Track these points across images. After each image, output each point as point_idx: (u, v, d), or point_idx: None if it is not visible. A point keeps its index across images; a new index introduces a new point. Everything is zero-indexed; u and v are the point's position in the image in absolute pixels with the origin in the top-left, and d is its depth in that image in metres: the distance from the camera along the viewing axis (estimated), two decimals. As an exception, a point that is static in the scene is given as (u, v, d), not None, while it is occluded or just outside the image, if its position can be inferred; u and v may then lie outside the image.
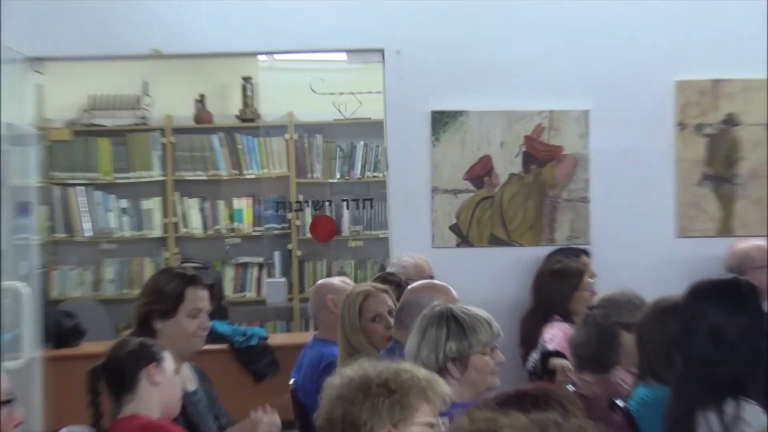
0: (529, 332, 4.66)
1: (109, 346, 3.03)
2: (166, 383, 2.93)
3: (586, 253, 5.07)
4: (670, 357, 3.02)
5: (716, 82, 5.22)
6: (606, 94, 5.23)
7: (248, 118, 7.32)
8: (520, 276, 5.06)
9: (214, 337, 4.92)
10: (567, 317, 4.54)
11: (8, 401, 1.91)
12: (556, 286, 4.73)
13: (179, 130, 7.30)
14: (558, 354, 4.16)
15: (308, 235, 7.20)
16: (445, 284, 3.74)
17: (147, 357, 2.91)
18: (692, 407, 2.87)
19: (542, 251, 5.12)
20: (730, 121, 5.23)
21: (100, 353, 3.03)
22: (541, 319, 4.67)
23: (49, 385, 4.91)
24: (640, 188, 5.25)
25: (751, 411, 2.80)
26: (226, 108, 7.41)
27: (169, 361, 2.97)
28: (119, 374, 2.90)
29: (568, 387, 3.52)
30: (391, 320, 3.74)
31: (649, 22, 5.20)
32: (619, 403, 3.25)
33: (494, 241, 5.24)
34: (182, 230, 7.29)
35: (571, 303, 4.62)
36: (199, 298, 3.39)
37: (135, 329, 3.34)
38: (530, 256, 5.13)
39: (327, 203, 7.40)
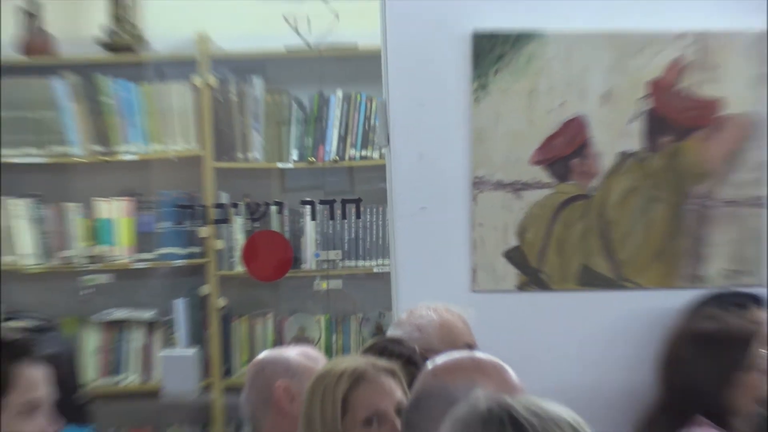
0: None
1: None
2: None
3: (759, 302, 5.13)
4: None
5: None
6: None
7: (122, 45, 7.44)
8: (638, 344, 5.18)
9: None
10: (722, 419, 4.59)
11: None
12: (704, 363, 4.75)
13: None
14: None
15: (239, 268, 7.29)
16: (495, 360, 3.56)
17: None
18: None
19: (679, 299, 5.19)
20: None
21: None
22: (675, 421, 4.71)
23: None
24: None
25: None
26: (81, 28, 7.52)
27: None
28: None
29: None
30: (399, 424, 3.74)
31: None
32: None
33: (590, 281, 5.35)
34: (1, 259, 7.35)
35: (731, 393, 4.63)
36: (35, 381, 3.43)
37: None
38: (657, 307, 5.24)
39: (275, 208, 7.43)
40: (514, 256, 5.31)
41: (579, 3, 5.26)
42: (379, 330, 7.00)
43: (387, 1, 5.29)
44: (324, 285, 7.44)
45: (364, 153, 7.37)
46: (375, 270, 7.25)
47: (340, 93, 7.41)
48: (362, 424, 3.68)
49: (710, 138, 5.27)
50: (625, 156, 5.28)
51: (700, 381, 4.69)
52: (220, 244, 7.39)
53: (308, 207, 7.31)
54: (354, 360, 3.95)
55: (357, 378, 3.75)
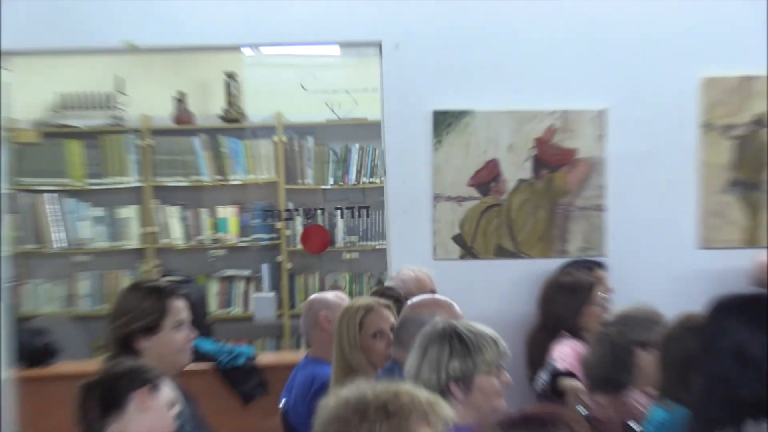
0: (537, 351, 4.66)
1: (100, 364, 3.06)
2: (158, 411, 2.92)
3: (600, 265, 5.06)
4: (690, 377, 3.04)
5: (745, 80, 5.16)
6: (624, 92, 5.17)
7: (232, 118, 7.32)
8: (529, 290, 5.02)
9: (198, 356, 4.89)
10: (577, 334, 4.54)
11: None
12: (566, 300, 4.70)
13: (158, 132, 7.27)
14: (568, 374, 4.16)
15: (299, 246, 7.24)
16: (447, 299, 3.72)
17: (141, 380, 2.91)
18: (711, 429, 2.87)
19: (553, 264, 5.10)
20: (760, 121, 5.15)
21: (77, 373, 3.03)
22: (549, 336, 4.65)
23: (22, 406, 4.94)
24: (661, 195, 5.21)
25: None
26: (209, 107, 7.39)
27: (166, 391, 2.96)
28: (110, 393, 2.90)
29: (579, 409, 3.58)
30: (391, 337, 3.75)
31: (672, 12, 5.13)
32: (634, 426, 3.30)
33: (501, 253, 5.22)
34: (162, 241, 7.31)
35: (582, 319, 4.60)
36: (181, 309, 3.42)
37: (115, 352, 3.32)
38: (539, 268, 5.10)
39: (319, 211, 7.42)
40: (458, 239, 5.19)
41: (493, 94, 5.12)
42: (380, 282, 6.68)
43: (384, 93, 5.16)
44: (348, 256, 7.42)
45: (371, 180, 7.28)
46: (377, 247, 7.12)
47: (357, 145, 7.33)
48: (370, 337, 3.79)
49: (570, 171, 5.18)
50: (521, 181, 5.16)
51: (563, 312, 4.65)
52: (288, 232, 7.31)
53: (339, 211, 7.34)
54: (365, 299, 4.03)
55: (367, 310, 3.84)
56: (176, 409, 3.03)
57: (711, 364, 2.92)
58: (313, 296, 4.64)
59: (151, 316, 3.37)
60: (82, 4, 4.95)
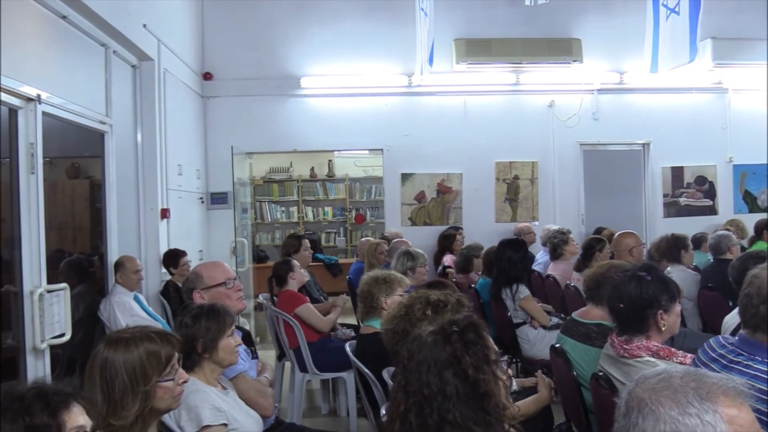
0: (438, 259, 4.57)
1: (274, 264, 2.93)
2: (298, 278, 2.80)
3: (461, 228, 4.86)
4: (493, 267, 3.01)
5: (510, 162, 4.99)
6: (470, 166, 4.90)
7: (331, 176, 6.95)
8: (434, 237, 4.85)
9: (315, 260, 4.90)
10: (452, 253, 4.39)
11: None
12: (446, 240, 4.59)
13: (304, 180, 6.85)
14: (449, 267, 4.08)
15: (353, 221, 7.01)
16: (406, 240, 3.69)
17: (292, 266, 2.84)
18: (500, 287, 2.91)
19: (443, 228, 4.90)
20: (516, 177, 5.00)
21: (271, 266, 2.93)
22: (441, 253, 4.55)
23: (254, 278, 4.86)
24: (482, 203, 4.98)
25: (522, 288, 2.86)
26: (322, 171, 6.92)
27: (296, 266, 2.87)
28: (278, 274, 2.85)
29: (453, 280, 3.54)
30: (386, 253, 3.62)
31: (481, 135, 4.89)
32: (474, 286, 3.27)
33: (425, 224, 4.99)
34: (304, 219, 6.95)
35: (453, 247, 4.49)
36: (308, 246, 3.34)
37: (285, 257, 3.08)
38: (438, 229, 4.89)
39: (361, 208, 7.12)
40: (410, 218, 4.91)
41: (422, 166, 4.81)
42: (383, 234, 6.24)
43: (384, 166, 4.93)
44: (371, 224, 6.93)
45: (379, 197, 6.62)
46: (381, 221, 6.48)
47: (375, 186, 6.85)
48: (378, 254, 3.61)
49: (449, 195, 4.92)
50: (432, 198, 4.89)
51: (446, 245, 4.49)
52: (349, 216, 6.92)
53: (369, 208, 6.93)
54: (376, 239, 3.94)
55: (377, 243, 3.72)
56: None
57: (499, 263, 2.94)
58: (361, 239, 4.49)
59: (298, 243, 3.25)
60: (277, 135, 4.77)
